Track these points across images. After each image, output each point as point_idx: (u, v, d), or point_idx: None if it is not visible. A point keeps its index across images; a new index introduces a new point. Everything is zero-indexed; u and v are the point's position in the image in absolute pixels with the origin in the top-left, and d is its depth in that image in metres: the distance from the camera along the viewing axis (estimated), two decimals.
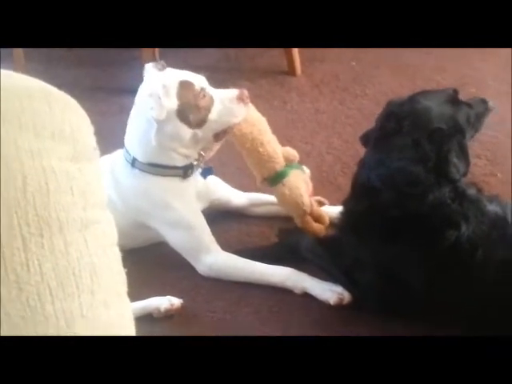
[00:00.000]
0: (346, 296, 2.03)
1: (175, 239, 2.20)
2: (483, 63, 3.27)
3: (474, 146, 2.64)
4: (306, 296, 2.08)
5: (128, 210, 2.18)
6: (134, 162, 2.17)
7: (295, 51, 3.26)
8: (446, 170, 1.89)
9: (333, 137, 2.83)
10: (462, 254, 1.87)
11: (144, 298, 2.05)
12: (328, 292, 2.05)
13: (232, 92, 2.14)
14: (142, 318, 2.00)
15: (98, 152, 0.95)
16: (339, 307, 2.02)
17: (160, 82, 2.07)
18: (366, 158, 2.03)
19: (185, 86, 2.09)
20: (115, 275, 0.92)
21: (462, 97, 2.08)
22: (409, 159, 1.90)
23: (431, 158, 1.89)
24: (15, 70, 3.11)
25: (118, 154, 2.24)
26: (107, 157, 2.26)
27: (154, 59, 3.24)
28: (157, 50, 3.33)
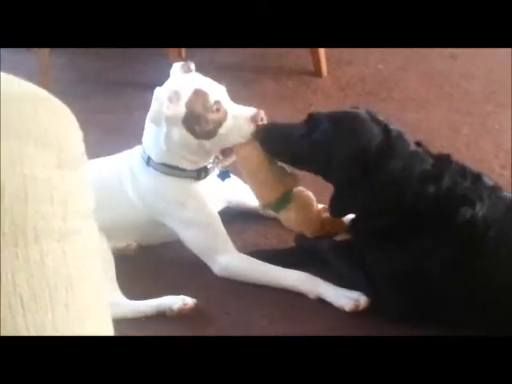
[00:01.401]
0: (362, 302, 2.00)
1: (190, 238, 2.18)
2: None
3: (501, 156, 2.63)
4: (321, 301, 2.05)
5: (144, 207, 2.18)
6: (148, 161, 2.16)
7: (321, 52, 3.23)
8: None
9: None
10: (476, 233, 1.85)
11: (157, 297, 2.04)
12: (343, 298, 2.01)
13: (248, 111, 2.09)
14: (155, 317, 2.01)
15: (84, 158, 0.92)
16: (354, 313, 1.99)
17: (172, 87, 2.05)
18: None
19: (198, 95, 2.05)
20: (93, 288, 0.89)
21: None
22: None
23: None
24: (39, 62, 3.14)
25: (137, 150, 2.23)
26: (127, 152, 2.26)
27: (180, 56, 3.24)
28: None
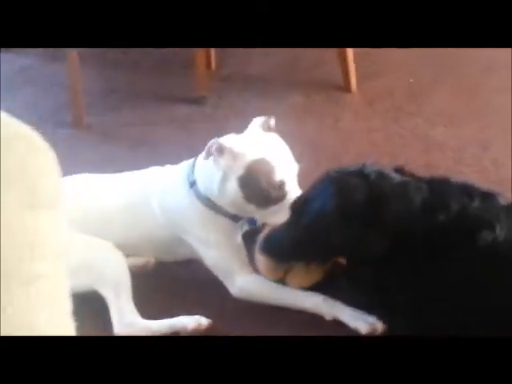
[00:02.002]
0: (379, 327, 1.97)
1: (209, 257, 2.16)
2: None
3: None
4: (338, 324, 2.02)
5: (166, 222, 2.16)
6: (193, 184, 2.13)
7: (352, 66, 3.19)
8: None
9: (384, 157, 2.74)
10: (499, 256, 1.80)
11: (172, 315, 2.02)
12: (359, 321, 1.98)
13: None
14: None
15: (61, 198, 0.89)
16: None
17: (239, 146, 2.00)
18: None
19: (263, 164, 2.00)
20: (59, 332, 0.87)
21: None
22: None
23: None
24: (69, 72, 3.11)
25: (175, 169, 2.21)
26: (156, 168, 2.24)
27: (208, 67, 3.24)
28: (212, 56, 3.31)
